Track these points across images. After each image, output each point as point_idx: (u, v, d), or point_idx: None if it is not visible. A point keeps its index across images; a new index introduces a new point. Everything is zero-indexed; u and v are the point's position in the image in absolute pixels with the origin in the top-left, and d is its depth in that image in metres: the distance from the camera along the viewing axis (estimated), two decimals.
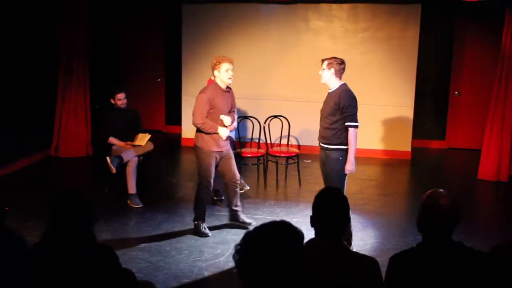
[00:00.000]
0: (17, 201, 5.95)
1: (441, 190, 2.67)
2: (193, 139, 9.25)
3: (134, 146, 6.56)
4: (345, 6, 8.77)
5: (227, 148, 5.48)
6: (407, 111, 8.80)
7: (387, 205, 6.61)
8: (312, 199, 2.75)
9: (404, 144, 8.87)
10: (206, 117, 5.26)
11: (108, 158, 6.29)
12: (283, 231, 1.93)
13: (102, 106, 8.05)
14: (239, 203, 5.66)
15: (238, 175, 5.62)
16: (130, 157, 6.35)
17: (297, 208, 6.36)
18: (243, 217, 5.70)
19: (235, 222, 5.68)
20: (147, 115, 9.62)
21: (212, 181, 5.43)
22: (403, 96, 8.76)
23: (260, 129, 7.51)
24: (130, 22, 10.54)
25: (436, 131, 9.65)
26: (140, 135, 6.69)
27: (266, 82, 8.93)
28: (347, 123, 4.83)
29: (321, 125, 5.03)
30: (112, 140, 6.63)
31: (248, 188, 6.69)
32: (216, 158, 5.42)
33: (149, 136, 6.66)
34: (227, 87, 5.39)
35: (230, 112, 5.46)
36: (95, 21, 9.06)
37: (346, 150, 4.88)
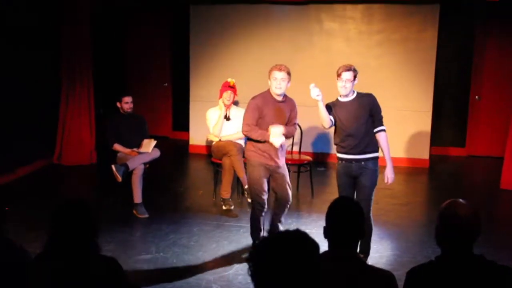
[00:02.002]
0: (18, 211, 5.92)
1: (460, 200, 2.56)
2: (201, 146, 9.42)
3: (140, 153, 6.45)
4: (359, 6, 8.62)
5: (279, 162, 5.02)
6: (425, 116, 8.60)
7: (403, 215, 6.46)
8: (325, 209, 2.68)
9: (422, 151, 8.69)
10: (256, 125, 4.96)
11: (113, 166, 6.18)
12: (298, 240, 1.93)
13: (107, 112, 7.94)
14: (282, 220, 5.26)
15: (290, 196, 5.11)
16: (136, 165, 6.23)
17: (309, 218, 6.25)
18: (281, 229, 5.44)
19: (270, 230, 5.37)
20: (153, 120, 9.59)
21: (264, 197, 5.00)
22: (420, 101, 8.58)
23: None
24: (136, 24, 10.53)
25: (455, 138, 9.49)
26: (146, 142, 6.58)
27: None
28: (380, 127, 4.81)
29: (354, 136, 4.77)
30: (117, 147, 6.56)
31: None
32: (267, 171, 5.01)
33: (156, 142, 6.55)
34: (285, 97, 5.04)
35: (286, 125, 5.05)
36: (99, 23, 9.02)
37: (378, 159, 4.85)
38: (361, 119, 4.74)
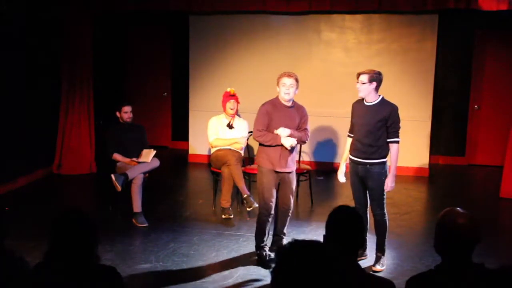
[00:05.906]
0: (17, 220, 5.90)
1: (458, 208, 2.57)
2: (201, 156, 9.40)
3: (139, 162, 6.43)
4: (358, 16, 8.61)
5: (289, 170, 5.07)
6: (425, 125, 8.59)
7: (403, 224, 6.44)
8: (325, 217, 2.68)
9: (421, 160, 8.66)
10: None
11: (113, 176, 6.17)
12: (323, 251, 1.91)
13: (106, 122, 7.92)
14: (285, 231, 5.28)
15: (292, 201, 5.20)
16: (136, 174, 6.22)
17: (309, 227, 6.22)
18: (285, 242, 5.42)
19: (275, 247, 5.25)
20: (153, 130, 9.59)
21: (272, 204, 5.03)
22: (420, 110, 8.56)
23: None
24: (135, 35, 10.56)
25: (455, 147, 9.47)
26: (146, 151, 6.58)
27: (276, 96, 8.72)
28: (393, 139, 4.88)
29: (361, 140, 4.94)
30: (117, 156, 6.56)
31: (257, 206, 6.41)
32: (277, 178, 5.03)
33: (155, 152, 6.55)
34: (294, 103, 5.10)
35: (296, 130, 5.07)
36: (99, 33, 9.01)
37: (386, 163, 4.95)
38: (371, 128, 4.85)
